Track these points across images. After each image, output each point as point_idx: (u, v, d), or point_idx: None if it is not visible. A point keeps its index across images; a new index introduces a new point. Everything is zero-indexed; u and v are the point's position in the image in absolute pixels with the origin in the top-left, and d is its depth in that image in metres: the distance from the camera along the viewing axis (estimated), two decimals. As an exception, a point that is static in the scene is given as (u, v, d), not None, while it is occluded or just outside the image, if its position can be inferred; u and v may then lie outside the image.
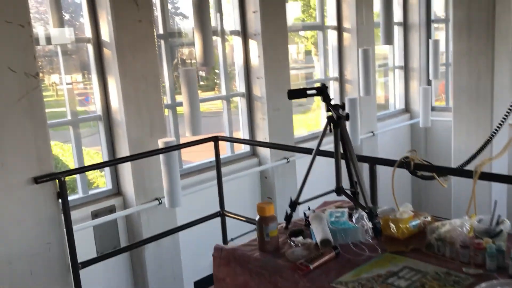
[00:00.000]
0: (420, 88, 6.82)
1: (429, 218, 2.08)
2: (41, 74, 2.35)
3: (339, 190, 2.27)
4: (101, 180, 4.68)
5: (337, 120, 2.17)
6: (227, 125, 5.26)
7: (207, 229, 4.20)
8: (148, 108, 4.20)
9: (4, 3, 2.13)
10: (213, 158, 5.06)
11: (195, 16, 3.65)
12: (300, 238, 2.05)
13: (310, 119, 7.51)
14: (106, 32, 4.00)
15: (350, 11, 6.19)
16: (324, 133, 2.26)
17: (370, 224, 2.03)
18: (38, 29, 3.92)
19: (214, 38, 4.90)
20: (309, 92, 2.18)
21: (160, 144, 3.85)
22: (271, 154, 5.28)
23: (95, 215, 4.04)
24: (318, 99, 8.81)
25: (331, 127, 2.21)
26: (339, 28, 6.34)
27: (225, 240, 4.14)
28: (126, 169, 4.18)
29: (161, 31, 4.57)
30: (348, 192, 2.30)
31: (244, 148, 5.44)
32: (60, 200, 2.56)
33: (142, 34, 4.11)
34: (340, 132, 2.21)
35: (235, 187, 5.10)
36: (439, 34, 7.79)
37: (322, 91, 2.19)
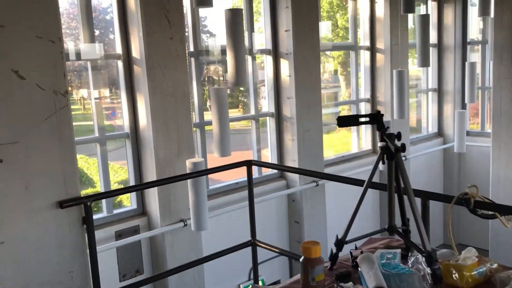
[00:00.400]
0: (455, 112, 6.56)
1: (495, 265, 1.84)
2: (69, 88, 2.24)
3: (391, 229, 2.05)
4: (125, 196, 4.56)
5: (393, 151, 1.96)
6: (255, 145, 5.12)
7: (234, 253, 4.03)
8: (176, 126, 4.09)
9: (35, 17, 2.04)
10: (240, 179, 4.98)
11: (228, 35, 3.55)
12: (350, 284, 1.78)
13: (333, 139, 7.30)
14: (136, 49, 3.94)
15: (384, 32, 6.03)
16: (377, 165, 2.06)
17: (428, 270, 1.79)
18: (68, 44, 3.88)
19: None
20: (361, 119, 2.00)
21: (188, 164, 3.72)
22: (300, 176, 5.11)
23: (119, 235, 3.92)
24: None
25: (385, 158, 2.00)
26: (372, 49, 6.17)
27: (256, 273, 3.95)
28: (152, 188, 4.06)
29: (191, 49, 4.49)
30: (400, 230, 2.07)
31: (272, 170, 5.28)
32: (85, 226, 2.43)
33: (173, 52, 4.03)
34: (396, 165, 2.01)
35: (261, 210, 4.92)
36: (473, 56, 7.54)
37: (377, 119, 2.01)
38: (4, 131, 2.00)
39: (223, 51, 4.68)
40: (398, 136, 1.98)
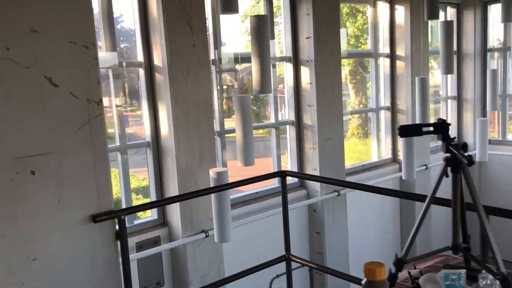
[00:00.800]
0: (477, 120, 6.42)
1: None
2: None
3: (456, 248, 1.90)
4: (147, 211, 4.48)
5: (460, 164, 1.84)
6: (275, 153, 5.02)
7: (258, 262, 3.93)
8: (199, 135, 4.01)
9: (69, 22, 1.94)
10: (260, 189, 4.89)
11: (253, 42, 3.47)
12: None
13: (346, 146, 7.16)
14: (158, 56, 3.87)
15: (404, 39, 5.93)
16: (441, 179, 1.95)
17: (503, 295, 1.63)
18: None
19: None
20: (425, 129, 1.89)
21: (212, 174, 3.64)
22: (321, 186, 5.00)
23: (140, 247, 3.83)
24: (352, 126, 8.47)
25: (449, 171, 1.88)
26: (392, 56, 6.08)
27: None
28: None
29: (212, 56, 4.42)
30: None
31: (291, 179, 5.18)
32: (118, 241, 2.34)
33: (195, 59, 3.96)
34: (462, 177, 1.88)
35: (279, 220, 4.82)
36: (493, 63, 7.41)
37: (442, 129, 1.89)
38: (37, 142, 1.90)
39: (235, 59, 4.62)
40: (464, 147, 1.87)
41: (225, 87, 5.69)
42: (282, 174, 3.53)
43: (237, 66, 4.81)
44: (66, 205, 2.01)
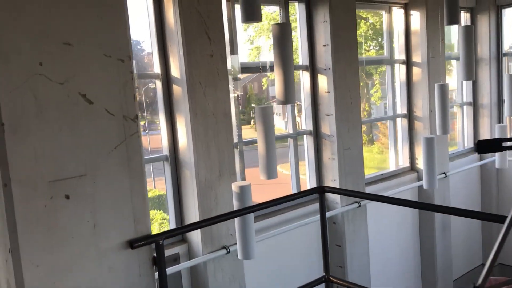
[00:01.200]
0: (496, 126, 6.29)
1: None
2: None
3: None
4: (164, 222, 4.36)
5: None
6: (294, 165, 4.90)
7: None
8: (218, 147, 3.89)
9: (103, 34, 1.81)
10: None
11: (276, 51, 3.36)
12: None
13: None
14: (176, 68, 3.77)
15: (421, 44, 5.82)
16: None
17: None
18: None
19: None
20: (506, 144, 1.74)
21: (235, 188, 3.51)
22: (341, 197, 4.87)
23: (160, 264, 3.69)
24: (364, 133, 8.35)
25: None
26: (408, 62, 5.96)
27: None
28: (193, 212, 3.85)
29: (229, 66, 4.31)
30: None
31: (310, 186, 5.04)
32: (155, 267, 2.20)
33: (213, 70, 3.86)
34: None
35: (299, 232, 4.69)
36: (508, 68, 7.29)
37: None
38: (71, 163, 1.76)
39: (243, 69, 4.51)
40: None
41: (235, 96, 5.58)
42: (320, 190, 3.35)
43: (239, 75, 4.72)
44: (101, 230, 1.85)
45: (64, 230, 1.79)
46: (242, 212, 3.23)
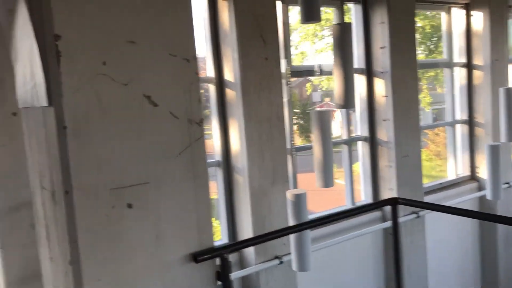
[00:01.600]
0: None
1: None
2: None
3: None
4: (216, 228, 4.26)
5: None
6: (349, 173, 4.69)
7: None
8: (271, 153, 3.77)
9: (168, 32, 1.71)
10: (336, 209, 4.57)
11: (336, 53, 3.21)
12: None
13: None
14: (230, 71, 3.67)
15: (483, 47, 5.48)
16: None
17: None
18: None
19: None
20: None
21: (290, 196, 3.37)
22: (400, 208, 4.61)
23: (211, 273, 3.59)
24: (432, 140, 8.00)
25: None
26: (469, 65, 5.63)
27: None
28: (245, 219, 3.73)
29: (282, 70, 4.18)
30: None
31: (365, 199, 4.82)
32: (219, 282, 2.08)
33: (267, 73, 3.74)
34: None
35: (351, 244, 4.47)
36: None
37: None
38: (134, 169, 1.66)
39: (293, 73, 4.37)
40: None
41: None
42: (392, 202, 3.14)
43: (291, 79, 4.58)
44: (165, 242, 1.74)
45: (127, 241, 1.69)
46: (312, 224, 3.01)
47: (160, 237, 1.73)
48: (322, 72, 4.50)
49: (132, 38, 1.64)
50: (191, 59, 1.80)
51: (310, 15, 3.10)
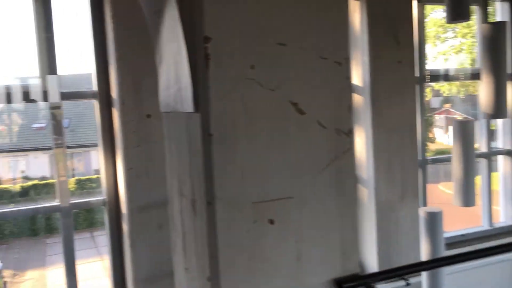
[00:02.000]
0: None
1: None
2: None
3: None
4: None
5: None
6: (487, 190, 4.17)
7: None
8: (401, 165, 3.46)
9: (319, 31, 1.57)
10: (468, 230, 4.11)
11: (486, 56, 2.83)
12: None
13: None
14: (359, 75, 3.44)
15: None
16: None
17: None
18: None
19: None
20: None
21: (423, 214, 3.04)
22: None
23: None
24: None
25: None
26: None
27: None
28: (369, 235, 3.47)
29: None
30: None
31: (505, 220, 4.26)
32: None
33: (400, 78, 3.44)
34: None
35: (478, 272, 3.93)
36: None
37: None
38: (278, 182, 1.55)
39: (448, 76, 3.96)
40: None
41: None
42: None
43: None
44: (306, 263, 1.60)
45: (267, 260, 1.57)
46: (462, 258, 2.56)
47: (301, 257, 1.58)
48: (465, 77, 4.06)
49: (282, 39, 1.51)
50: (343, 62, 1.63)
51: (459, 13, 2.77)
